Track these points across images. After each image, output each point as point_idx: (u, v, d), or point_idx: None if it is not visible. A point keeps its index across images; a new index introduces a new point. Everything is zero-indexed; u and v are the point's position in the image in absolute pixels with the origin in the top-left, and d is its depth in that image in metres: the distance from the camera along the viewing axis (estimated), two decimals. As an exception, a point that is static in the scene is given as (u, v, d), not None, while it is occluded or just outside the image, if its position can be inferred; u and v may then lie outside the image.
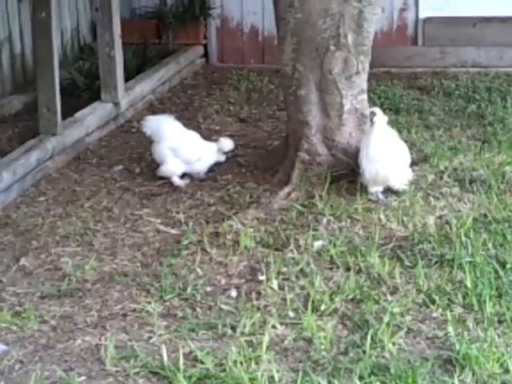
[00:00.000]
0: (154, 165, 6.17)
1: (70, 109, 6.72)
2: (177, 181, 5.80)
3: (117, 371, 3.74)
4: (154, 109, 7.75)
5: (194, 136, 6.00)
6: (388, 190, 5.44)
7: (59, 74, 6.35)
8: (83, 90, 7.68)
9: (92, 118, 6.82)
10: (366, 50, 5.74)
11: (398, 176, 5.41)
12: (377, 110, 5.44)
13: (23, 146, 6.03)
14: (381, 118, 5.35)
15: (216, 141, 6.05)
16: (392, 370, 3.62)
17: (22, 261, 4.75)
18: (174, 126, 5.98)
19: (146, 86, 7.89)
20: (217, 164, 5.96)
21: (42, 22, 6.11)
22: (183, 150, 5.85)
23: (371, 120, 5.37)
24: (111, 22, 7.07)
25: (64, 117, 6.42)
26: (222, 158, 5.96)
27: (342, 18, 5.64)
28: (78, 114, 6.74)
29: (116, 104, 7.20)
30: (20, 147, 6.02)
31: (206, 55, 9.44)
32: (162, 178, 5.86)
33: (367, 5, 5.65)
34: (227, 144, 5.97)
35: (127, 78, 7.54)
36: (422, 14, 9.03)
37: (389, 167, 5.33)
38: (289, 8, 5.68)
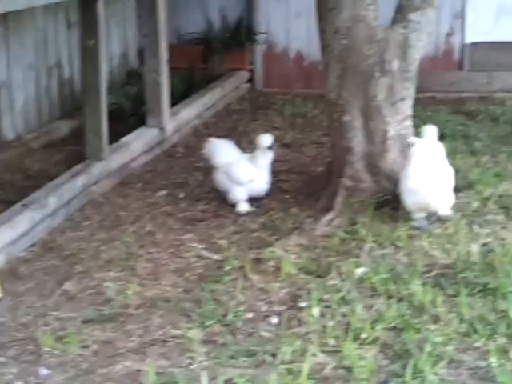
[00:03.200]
0: (198, 190, 6.22)
1: (117, 134, 6.80)
2: (239, 207, 5.81)
3: (157, 397, 3.75)
4: (198, 134, 7.80)
5: (246, 159, 5.95)
6: (432, 216, 5.40)
7: (106, 99, 6.44)
8: (130, 115, 7.77)
9: (137, 143, 6.90)
10: (411, 77, 5.73)
11: (440, 202, 5.37)
12: (416, 139, 5.42)
13: (70, 170, 6.12)
14: (420, 147, 5.33)
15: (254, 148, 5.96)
16: (433, 401, 3.59)
17: (66, 285, 4.80)
18: (229, 151, 5.99)
19: (192, 111, 7.96)
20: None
21: (90, 49, 6.21)
22: (233, 172, 5.87)
23: (411, 149, 5.34)
24: (158, 48, 7.16)
25: (110, 141, 6.50)
26: (270, 155, 5.87)
27: (387, 44, 5.64)
28: (124, 139, 6.82)
29: (161, 129, 7.27)
30: (67, 172, 6.10)
31: (251, 80, 9.49)
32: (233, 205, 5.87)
33: (412, 31, 5.65)
34: (266, 139, 5.88)
35: (173, 103, 7.62)
36: (469, 39, 9.00)
37: (429, 196, 5.30)
38: (334, 34, 5.69)
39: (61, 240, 5.44)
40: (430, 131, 5.60)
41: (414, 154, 5.30)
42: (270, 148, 5.87)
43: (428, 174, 5.30)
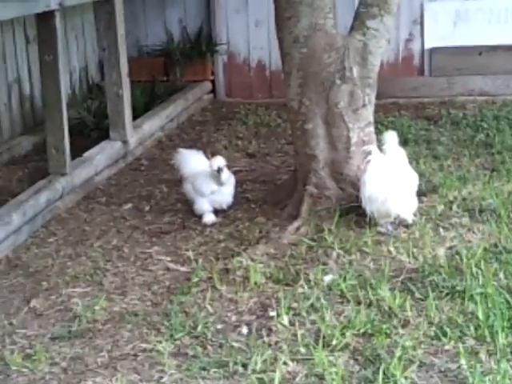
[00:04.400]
0: (163, 202, 6.20)
1: (79, 148, 6.76)
2: (205, 218, 5.78)
3: (128, 412, 3.72)
4: (162, 146, 7.79)
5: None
6: (397, 222, 5.43)
7: (68, 114, 6.40)
8: (92, 129, 7.74)
9: (101, 157, 6.86)
10: (371, 83, 5.76)
11: (401, 208, 5.37)
12: (372, 147, 5.44)
13: (33, 187, 6.06)
14: (377, 154, 5.35)
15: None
16: (405, 405, 3.60)
17: (33, 302, 4.75)
18: (197, 162, 5.96)
19: (155, 123, 7.94)
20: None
21: (49, 64, 6.16)
22: (195, 183, 5.85)
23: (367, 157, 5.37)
24: (118, 61, 7.13)
25: (73, 156, 6.46)
26: (223, 178, 5.76)
27: (347, 51, 5.67)
28: (86, 154, 6.78)
29: (125, 142, 7.24)
30: (30, 188, 6.05)
31: (213, 91, 9.49)
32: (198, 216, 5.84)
33: (371, 38, 5.68)
34: (214, 162, 5.76)
35: (136, 116, 7.59)
36: (428, 45, 9.08)
37: (387, 203, 5.30)
38: (294, 43, 5.71)
39: (26, 257, 5.39)
40: (391, 137, 5.63)
41: (371, 162, 5.32)
42: (218, 171, 5.75)
43: (385, 180, 5.31)
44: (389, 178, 5.35)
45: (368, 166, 5.34)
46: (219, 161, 5.80)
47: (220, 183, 5.78)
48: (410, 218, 5.45)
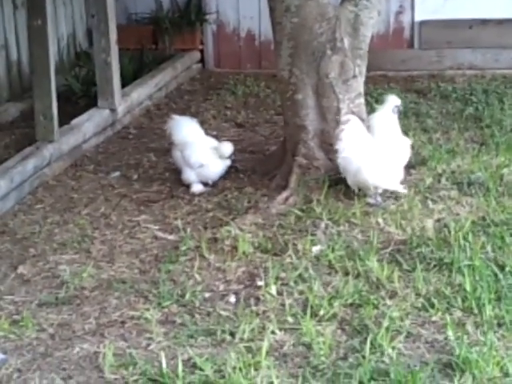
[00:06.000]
0: (151, 171, 6.18)
1: (67, 115, 6.71)
2: (193, 188, 5.77)
3: (115, 379, 3.72)
4: (150, 115, 7.74)
5: (203, 142, 5.90)
6: (386, 193, 5.43)
7: (56, 81, 6.33)
8: (80, 96, 7.67)
9: (89, 125, 6.81)
10: (362, 54, 5.74)
11: (380, 178, 5.32)
12: (351, 117, 5.41)
13: (20, 153, 6.02)
14: (354, 124, 5.31)
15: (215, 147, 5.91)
16: (392, 375, 3.61)
17: (20, 269, 4.74)
18: (189, 130, 5.92)
19: (143, 91, 7.88)
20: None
21: (37, 30, 6.10)
22: (185, 153, 5.82)
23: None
24: (107, 28, 7.06)
25: (61, 124, 6.41)
26: (227, 163, 5.85)
27: (338, 22, 5.64)
28: (74, 121, 6.73)
29: (113, 110, 7.19)
30: (17, 155, 6.01)
31: (202, 60, 9.43)
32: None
33: (363, 8, 5.66)
34: (226, 148, 5.84)
35: (124, 84, 7.53)
36: (418, 17, 9.02)
37: (362, 174, 5.27)
38: (285, 13, 5.68)
39: (13, 223, 5.37)
40: (392, 102, 5.60)
41: (345, 132, 5.28)
42: (228, 158, 5.81)
43: (359, 150, 5.27)
44: (363, 147, 5.30)
45: (342, 134, 5.30)
46: (229, 147, 5.81)
47: (222, 169, 5.79)
48: (397, 189, 5.41)
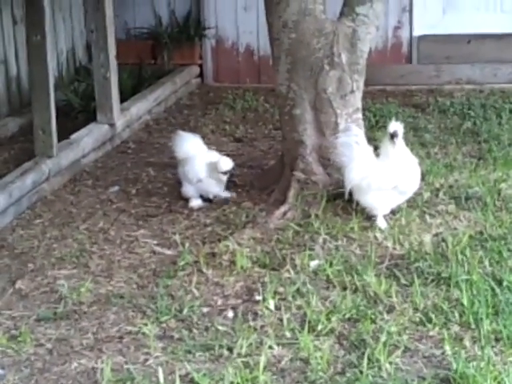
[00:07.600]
0: (150, 186, 6.19)
1: (66, 130, 6.73)
2: (191, 202, 5.78)
3: (113, 394, 3.73)
4: (149, 129, 7.77)
5: (203, 157, 5.87)
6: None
7: (55, 96, 6.36)
8: (79, 111, 7.70)
9: (88, 140, 6.83)
10: (360, 69, 5.76)
11: (366, 202, 5.33)
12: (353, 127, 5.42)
13: (19, 168, 6.03)
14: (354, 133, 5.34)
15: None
16: (389, 390, 3.61)
17: (18, 284, 4.74)
18: (192, 146, 5.93)
19: (142, 106, 7.91)
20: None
21: (36, 45, 6.12)
22: (185, 168, 5.84)
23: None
24: (106, 43, 7.09)
25: (60, 138, 6.43)
26: (224, 179, 5.80)
27: (336, 37, 5.66)
28: (73, 136, 6.74)
29: (112, 125, 7.21)
30: (16, 170, 6.02)
31: (201, 75, 9.46)
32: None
33: (361, 24, 5.67)
34: (225, 163, 5.81)
35: (123, 99, 7.55)
36: (417, 32, 9.07)
37: (356, 194, 5.34)
38: (283, 28, 5.70)
39: (11, 238, 5.37)
40: (389, 128, 5.47)
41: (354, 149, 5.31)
42: (225, 173, 5.78)
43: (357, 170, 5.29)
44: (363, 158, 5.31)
45: (349, 152, 5.30)
46: (228, 163, 5.78)
47: (221, 184, 5.79)
48: (376, 215, 5.29)
